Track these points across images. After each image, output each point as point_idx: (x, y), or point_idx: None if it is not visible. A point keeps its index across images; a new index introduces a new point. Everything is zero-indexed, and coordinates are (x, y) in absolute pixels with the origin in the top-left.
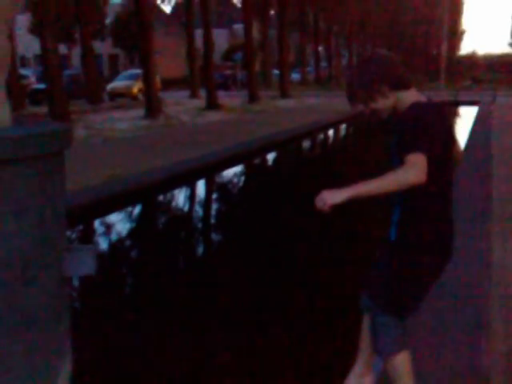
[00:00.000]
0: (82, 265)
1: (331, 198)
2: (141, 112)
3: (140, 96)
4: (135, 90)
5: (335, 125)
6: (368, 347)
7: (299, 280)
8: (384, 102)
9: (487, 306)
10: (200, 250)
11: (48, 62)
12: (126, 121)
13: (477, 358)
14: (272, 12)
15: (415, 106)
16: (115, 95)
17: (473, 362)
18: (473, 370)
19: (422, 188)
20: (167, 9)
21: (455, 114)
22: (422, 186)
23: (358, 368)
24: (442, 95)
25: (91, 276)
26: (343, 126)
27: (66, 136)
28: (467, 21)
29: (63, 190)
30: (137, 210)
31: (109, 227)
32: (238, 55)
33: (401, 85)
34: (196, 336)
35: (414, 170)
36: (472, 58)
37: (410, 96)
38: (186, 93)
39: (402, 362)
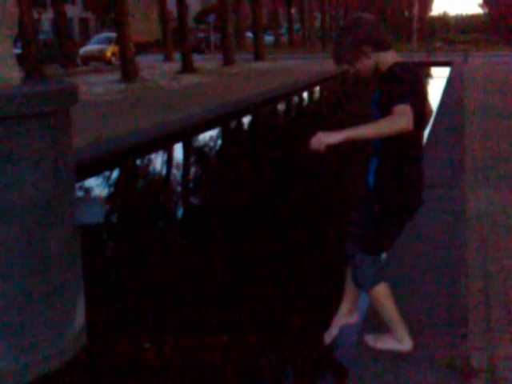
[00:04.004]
0: (92, 213)
1: (327, 138)
2: (116, 76)
3: (114, 60)
4: (109, 53)
5: (313, 85)
6: (351, 288)
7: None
8: (367, 62)
9: (464, 248)
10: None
11: (23, 27)
12: (102, 85)
13: (455, 292)
14: None
15: (397, 65)
16: (88, 59)
17: (452, 296)
18: (451, 301)
19: (400, 140)
20: None
21: (428, 75)
22: (399, 138)
23: (344, 308)
24: (415, 56)
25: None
26: (321, 87)
27: (73, 93)
28: None
29: (71, 144)
30: (128, 168)
31: (103, 185)
32: (211, 17)
33: (382, 46)
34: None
35: (404, 118)
36: (443, 19)
37: (390, 57)
38: (158, 56)
39: (382, 291)
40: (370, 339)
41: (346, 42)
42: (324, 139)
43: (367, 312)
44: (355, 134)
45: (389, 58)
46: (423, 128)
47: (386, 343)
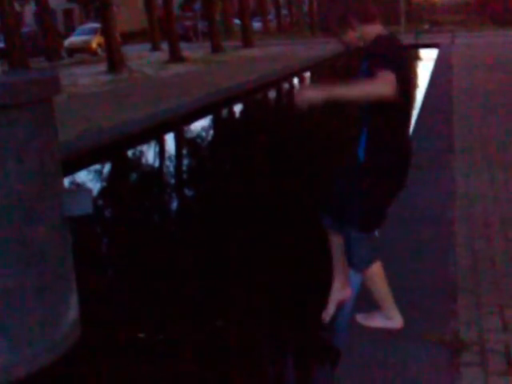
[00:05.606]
0: (81, 205)
1: (310, 93)
2: (102, 67)
3: (99, 51)
4: (94, 44)
5: (302, 71)
6: (339, 261)
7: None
8: (353, 34)
9: (453, 226)
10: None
11: (5, 20)
12: (88, 76)
13: (445, 269)
14: None
15: (382, 36)
16: (73, 51)
17: (441, 272)
18: (441, 278)
19: (388, 111)
20: None
21: (417, 57)
22: (388, 109)
23: (337, 283)
24: (403, 39)
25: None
26: (311, 72)
27: (55, 83)
28: None
29: (57, 135)
30: (117, 160)
31: (98, 175)
32: (198, 5)
33: (368, 18)
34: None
35: (387, 84)
36: (430, 1)
37: (376, 29)
38: (146, 46)
39: (377, 271)
40: (361, 318)
41: (333, 13)
42: (305, 94)
43: (358, 291)
44: (337, 92)
45: (374, 30)
46: (410, 100)
47: (376, 321)
